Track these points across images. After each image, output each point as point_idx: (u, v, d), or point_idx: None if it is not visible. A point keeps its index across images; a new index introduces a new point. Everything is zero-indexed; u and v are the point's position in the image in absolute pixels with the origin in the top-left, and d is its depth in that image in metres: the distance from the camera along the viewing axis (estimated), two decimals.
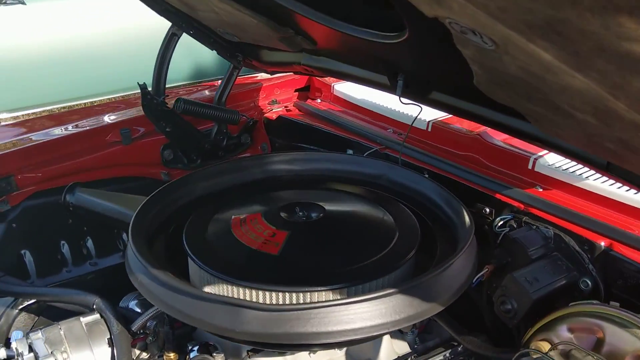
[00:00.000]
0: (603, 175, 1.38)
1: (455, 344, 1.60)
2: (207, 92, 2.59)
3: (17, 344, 1.51)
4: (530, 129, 1.39)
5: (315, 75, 2.17)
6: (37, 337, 1.51)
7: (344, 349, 1.63)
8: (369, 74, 1.78)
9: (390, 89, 1.71)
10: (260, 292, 1.31)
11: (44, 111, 3.10)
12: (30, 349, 1.49)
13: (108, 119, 2.35)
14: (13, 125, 2.55)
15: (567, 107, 0.98)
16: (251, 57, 2.24)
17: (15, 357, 1.51)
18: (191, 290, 1.26)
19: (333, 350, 1.62)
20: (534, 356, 1.17)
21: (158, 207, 1.64)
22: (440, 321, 1.60)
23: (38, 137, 2.23)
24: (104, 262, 2.20)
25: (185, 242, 1.49)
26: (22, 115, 3.02)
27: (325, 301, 1.24)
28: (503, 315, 1.52)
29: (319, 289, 1.31)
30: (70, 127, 2.30)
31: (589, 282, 1.49)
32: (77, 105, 3.19)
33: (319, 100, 2.62)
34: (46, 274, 2.10)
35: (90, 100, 3.39)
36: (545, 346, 1.30)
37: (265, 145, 2.60)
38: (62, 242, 2.16)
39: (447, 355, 1.55)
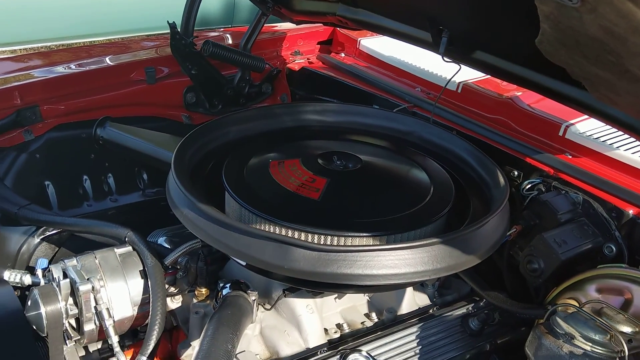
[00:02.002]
0: None
1: (477, 299, 1.65)
2: (231, 39, 2.56)
3: (53, 270, 1.53)
4: (578, 94, 1.42)
5: (349, 27, 2.16)
6: (72, 263, 1.53)
7: (367, 297, 1.68)
8: (411, 29, 1.78)
9: (432, 46, 1.72)
10: (303, 234, 1.33)
11: (64, 45, 3.05)
12: (65, 275, 1.51)
13: (133, 56, 2.33)
14: (34, 56, 2.50)
15: (638, 71, 1.01)
16: (282, 4, 2.22)
17: (48, 282, 1.53)
18: (243, 227, 1.28)
19: (358, 297, 1.66)
20: (569, 311, 1.22)
21: (195, 147, 1.65)
22: (464, 277, 1.65)
23: (62, 70, 2.22)
24: (124, 199, 2.21)
25: (225, 182, 1.51)
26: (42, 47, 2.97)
27: (372, 245, 1.28)
28: (528, 275, 1.57)
29: (360, 234, 1.35)
30: (94, 62, 2.28)
31: (614, 248, 1.54)
32: (99, 41, 3.15)
33: (342, 55, 2.61)
34: (67, 206, 2.11)
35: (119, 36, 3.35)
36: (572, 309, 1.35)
37: (285, 95, 2.60)
38: (84, 176, 2.16)
39: (470, 308, 1.60)
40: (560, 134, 1.79)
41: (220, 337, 1.29)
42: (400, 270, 1.25)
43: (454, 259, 1.31)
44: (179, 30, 2.19)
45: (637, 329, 1.22)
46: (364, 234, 1.35)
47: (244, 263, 1.40)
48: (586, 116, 1.80)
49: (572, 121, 1.80)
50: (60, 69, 2.20)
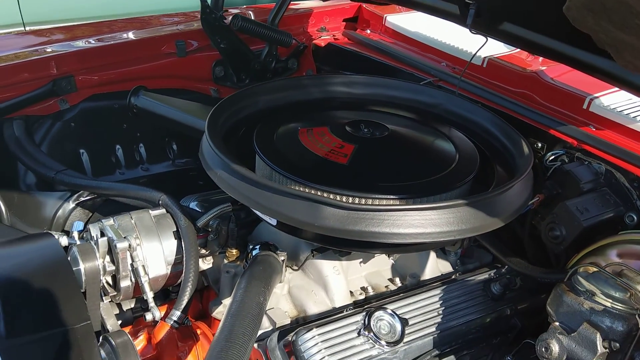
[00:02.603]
0: None
1: (499, 266, 1.69)
2: (259, 16, 2.61)
3: (91, 228, 1.60)
4: (604, 64, 1.45)
5: (375, 2, 2.20)
6: (110, 223, 1.59)
7: (391, 262, 1.73)
8: (438, 2, 1.81)
9: (459, 18, 1.75)
10: (332, 195, 1.38)
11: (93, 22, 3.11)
12: (102, 234, 1.58)
13: (159, 31, 2.38)
14: (61, 30, 2.56)
15: None
16: None
17: (88, 241, 1.60)
18: (276, 186, 1.33)
19: (383, 262, 1.71)
20: (591, 271, 1.26)
21: (227, 114, 1.70)
22: (486, 243, 1.69)
23: (94, 42, 2.28)
24: (155, 168, 2.28)
25: (256, 146, 1.57)
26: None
27: (400, 204, 1.33)
28: (550, 242, 1.61)
29: (387, 197, 1.39)
30: (125, 36, 2.34)
31: (635, 217, 1.57)
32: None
33: (368, 31, 2.64)
34: (101, 174, 2.19)
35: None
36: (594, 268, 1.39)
37: (310, 71, 2.64)
38: (117, 145, 2.23)
39: (492, 274, 1.64)
40: (585, 107, 1.81)
41: (252, 289, 1.35)
42: (426, 230, 1.30)
43: (478, 221, 1.35)
44: (209, 4, 2.25)
45: None
46: (391, 197, 1.40)
47: (274, 223, 1.45)
48: (610, 90, 1.83)
49: (596, 94, 1.82)
50: (93, 42, 2.27)
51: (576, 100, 1.83)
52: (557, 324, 1.21)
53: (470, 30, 1.72)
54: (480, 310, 1.54)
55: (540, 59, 2.08)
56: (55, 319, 1.13)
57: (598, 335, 1.16)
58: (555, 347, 1.19)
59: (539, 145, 1.79)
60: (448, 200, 1.38)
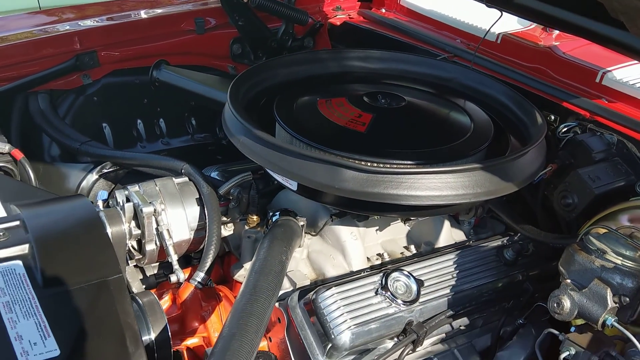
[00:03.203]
0: None
1: (512, 234, 1.73)
2: None
3: (117, 195, 1.65)
4: (617, 34, 1.48)
5: None
6: (135, 189, 1.65)
7: (407, 230, 1.78)
8: None
9: None
10: (351, 161, 1.43)
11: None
12: (128, 200, 1.63)
13: (183, 8, 2.44)
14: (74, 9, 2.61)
15: None
16: None
17: (114, 205, 1.66)
18: (298, 149, 1.38)
19: (398, 230, 1.76)
20: (602, 231, 1.30)
21: (247, 85, 1.75)
22: (499, 211, 1.74)
23: (115, 19, 2.33)
24: (175, 142, 2.34)
25: (277, 115, 1.62)
26: None
27: (416, 168, 1.37)
28: (562, 210, 1.65)
29: (405, 162, 1.44)
30: (148, 12, 2.40)
31: None
32: None
33: (383, 10, 2.68)
34: (123, 147, 2.25)
35: None
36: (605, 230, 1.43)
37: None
38: (138, 120, 2.29)
39: (505, 241, 1.68)
40: (597, 80, 1.85)
41: (275, 249, 1.40)
42: (442, 193, 1.35)
43: (493, 185, 1.40)
44: None
45: None
46: (408, 162, 1.44)
47: (294, 188, 1.51)
48: (623, 63, 1.86)
49: (609, 68, 1.85)
50: (115, 19, 2.32)
51: (589, 73, 1.87)
52: (568, 281, 1.26)
53: (486, 4, 1.76)
54: (493, 274, 1.59)
55: (554, 35, 2.11)
56: (89, 271, 1.18)
57: (608, 291, 1.20)
58: (566, 303, 1.24)
59: (552, 117, 1.83)
60: (464, 164, 1.42)
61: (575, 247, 1.30)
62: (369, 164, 1.41)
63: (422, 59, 2.01)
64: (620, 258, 1.23)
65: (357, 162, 1.42)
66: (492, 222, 1.89)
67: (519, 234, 1.70)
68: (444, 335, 1.55)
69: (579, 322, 1.33)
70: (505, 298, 1.61)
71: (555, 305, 1.25)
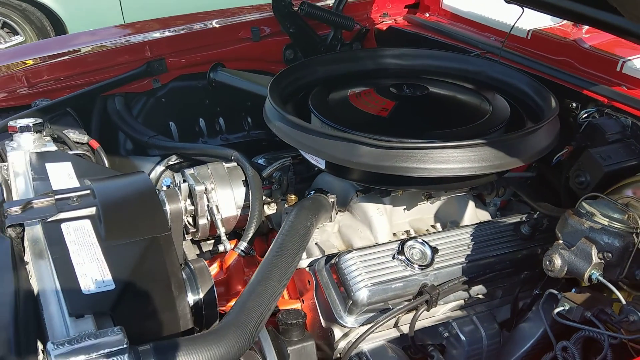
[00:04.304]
0: None
1: (531, 212, 1.85)
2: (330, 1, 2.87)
3: (175, 177, 1.92)
4: (621, 22, 1.59)
5: None
6: (190, 172, 1.90)
7: (434, 210, 1.92)
8: None
9: None
10: (370, 140, 1.61)
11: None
12: (184, 181, 1.89)
13: (240, 18, 2.71)
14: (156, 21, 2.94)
15: None
16: None
17: (174, 186, 1.92)
18: (322, 130, 1.59)
19: (425, 210, 1.92)
20: (595, 200, 1.42)
21: (288, 80, 1.98)
22: (518, 190, 1.86)
23: (182, 30, 2.63)
24: (232, 138, 2.60)
25: (310, 104, 1.83)
26: None
27: (424, 143, 1.54)
28: (576, 187, 1.76)
29: (416, 141, 1.61)
30: (208, 24, 2.68)
31: None
32: None
33: (427, 15, 2.85)
34: (186, 141, 2.52)
35: None
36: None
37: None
38: (200, 118, 2.57)
39: (524, 218, 1.80)
40: (618, 69, 1.94)
41: (301, 215, 1.60)
42: (448, 166, 1.51)
43: (498, 160, 1.54)
44: None
45: None
46: (421, 141, 1.61)
47: (322, 166, 1.70)
48: None
49: (629, 57, 1.95)
50: (180, 30, 2.62)
51: (610, 63, 1.97)
52: (560, 241, 1.38)
53: (505, 1, 1.90)
54: (510, 246, 1.71)
55: (584, 29, 2.21)
56: (142, 229, 1.42)
57: (593, 248, 1.32)
58: (557, 260, 1.36)
59: (574, 105, 1.94)
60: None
61: (569, 212, 1.42)
62: (381, 142, 1.59)
63: (451, 54, 2.17)
64: (607, 220, 1.35)
65: (377, 141, 1.60)
66: (518, 205, 2.00)
67: (537, 212, 1.81)
68: (462, 302, 1.69)
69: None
70: (523, 270, 1.73)
71: (547, 262, 1.38)
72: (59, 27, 5.43)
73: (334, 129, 1.68)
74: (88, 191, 1.53)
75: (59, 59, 2.41)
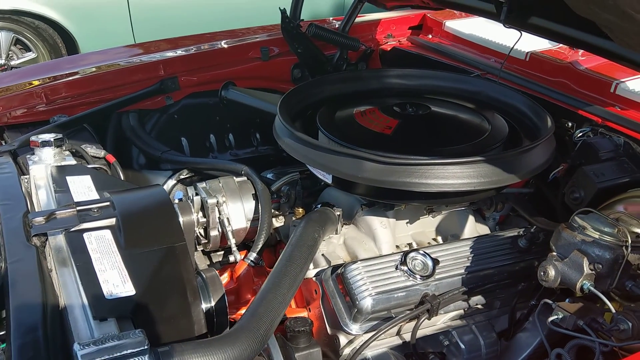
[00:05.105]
0: None
1: (528, 226, 1.93)
2: (337, 25, 2.98)
3: (187, 190, 2.01)
4: (611, 46, 1.68)
5: (431, 7, 2.51)
6: (202, 185, 1.99)
7: (435, 224, 2.01)
8: (479, 2, 2.11)
9: (495, 15, 2.04)
10: (374, 156, 1.70)
11: None
12: (197, 194, 1.98)
13: (250, 38, 2.82)
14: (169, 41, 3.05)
15: (629, 10, 1.29)
16: None
17: (186, 199, 2.01)
18: (329, 146, 1.68)
19: (428, 224, 2.00)
20: (587, 215, 1.50)
21: (297, 98, 2.07)
22: (516, 205, 1.94)
23: (194, 49, 2.74)
24: (241, 153, 2.69)
25: (318, 122, 1.92)
26: None
27: (426, 159, 1.63)
28: (571, 202, 1.84)
29: (419, 158, 1.70)
30: (218, 43, 2.79)
31: None
32: None
33: (430, 36, 2.95)
34: (197, 156, 2.61)
35: None
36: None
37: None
38: (211, 134, 2.66)
39: (521, 232, 1.88)
40: (612, 90, 2.04)
41: (309, 227, 1.69)
42: (449, 181, 1.60)
43: (496, 176, 1.63)
44: (288, 15, 2.65)
45: None
46: (422, 158, 1.70)
47: (329, 180, 1.79)
48: (636, 75, 2.04)
49: (622, 79, 2.04)
50: (193, 49, 2.73)
51: (604, 85, 2.06)
52: (554, 253, 1.47)
53: (504, 25, 2.00)
54: (507, 259, 1.78)
55: (580, 52, 2.31)
56: (160, 239, 1.51)
57: (585, 260, 1.40)
58: (551, 271, 1.44)
59: (570, 124, 2.03)
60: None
61: (562, 226, 1.50)
62: (385, 158, 1.68)
63: (453, 75, 2.27)
64: (598, 233, 1.43)
65: (380, 157, 1.69)
66: (516, 220, 2.09)
67: (534, 226, 1.89)
68: (462, 312, 1.76)
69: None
70: (520, 282, 1.81)
71: (542, 273, 1.46)
72: (71, 44, 5.55)
73: (341, 145, 1.77)
74: (108, 203, 1.62)
75: (76, 77, 2.51)
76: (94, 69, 2.58)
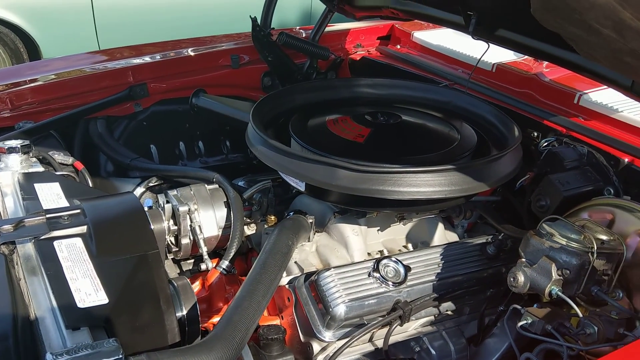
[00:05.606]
0: (630, 97, 1.71)
1: (496, 233, 1.97)
2: (304, 34, 3.00)
3: (158, 197, 1.99)
4: (576, 59, 1.74)
5: (400, 18, 2.55)
6: (174, 193, 1.98)
7: (405, 232, 2.04)
8: (448, 14, 2.15)
9: (464, 27, 2.08)
10: (347, 164, 1.72)
11: None
12: (168, 202, 1.96)
13: (221, 46, 2.81)
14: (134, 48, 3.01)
15: (595, 24, 1.34)
16: (344, 1, 2.64)
17: (156, 207, 1.99)
18: (302, 154, 1.69)
19: (398, 231, 2.03)
20: (554, 222, 1.54)
21: (269, 106, 2.08)
22: (484, 213, 1.98)
23: (162, 57, 2.72)
24: (211, 161, 2.68)
25: (291, 130, 1.93)
26: None
27: (399, 168, 1.65)
28: (537, 211, 1.89)
29: (392, 166, 1.72)
30: (188, 50, 2.78)
31: (612, 190, 1.83)
32: None
33: (398, 47, 3.00)
34: (167, 164, 2.59)
35: None
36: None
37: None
38: (180, 141, 2.65)
39: (489, 239, 1.92)
40: (575, 101, 2.10)
41: (283, 235, 1.69)
42: (421, 189, 1.62)
43: (466, 184, 1.66)
44: (259, 23, 2.65)
45: (611, 237, 1.53)
46: (395, 166, 1.72)
47: (302, 188, 1.80)
48: (598, 87, 2.11)
49: (585, 91, 2.11)
50: (162, 56, 2.71)
51: (568, 96, 2.13)
52: (523, 259, 1.50)
53: (473, 37, 2.05)
54: (476, 266, 1.82)
55: (545, 64, 2.38)
56: (132, 246, 1.49)
57: (553, 266, 1.44)
58: (520, 277, 1.48)
59: (535, 134, 2.08)
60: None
61: (531, 233, 1.54)
62: (359, 166, 1.70)
63: (422, 85, 2.31)
64: (565, 240, 1.47)
65: (354, 165, 1.71)
66: (484, 227, 2.13)
67: (502, 234, 1.93)
68: (433, 318, 1.79)
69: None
70: (489, 288, 1.85)
71: (511, 279, 1.50)
72: (33, 49, 5.45)
73: (314, 153, 1.78)
74: (78, 210, 1.60)
75: (42, 83, 2.47)
76: (53, 76, 2.53)
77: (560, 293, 1.44)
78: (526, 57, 2.44)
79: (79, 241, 1.51)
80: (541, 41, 1.85)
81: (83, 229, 1.54)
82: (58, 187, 1.80)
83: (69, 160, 2.14)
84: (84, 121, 2.45)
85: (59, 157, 2.13)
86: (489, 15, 1.96)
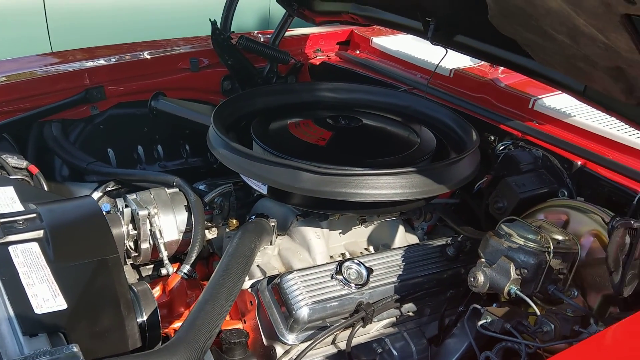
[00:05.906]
0: (582, 101, 1.77)
1: (456, 235, 2.01)
2: (262, 39, 3.00)
3: (117, 202, 1.95)
4: (531, 64, 1.79)
5: (359, 24, 2.58)
6: (133, 197, 1.95)
7: (367, 234, 2.05)
8: (407, 20, 2.19)
9: (422, 33, 2.12)
10: (310, 167, 1.72)
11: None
12: (127, 206, 1.93)
13: (180, 49, 2.79)
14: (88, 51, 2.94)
15: (550, 30, 1.39)
16: (305, 6, 2.65)
17: (115, 211, 1.95)
18: (265, 157, 1.69)
19: (359, 234, 2.04)
20: (512, 223, 1.58)
21: (230, 109, 2.07)
22: (444, 216, 2.02)
23: (119, 60, 2.67)
24: (170, 165, 2.64)
25: (252, 133, 1.92)
26: None
27: (362, 170, 1.67)
28: (495, 212, 1.94)
29: (354, 169, 1.74)
30: (149, 53, 2.74)
31: (566, 192, 1.89)
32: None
33: (357, 52, 3.02)
34: (125, 168, 2.54)
35: None
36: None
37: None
38: (138, 145, 2.60)
39: (449, 241, 1.95)
40: (530, 106, 2.16)
41: (246, 238, 1.69)
42: (382, 191, 1.64)
43: (427, 186, 1.69)
44: (218, 26, 2.64)
45: (566, 237, 1.58)
46: (357, 169, 1.74)
47: (264, 191, 1.80)
48: (551, 92, 2.18)
49: (539, 96, 2.17)
50: (119, 59, 2.67)
51: (523, 101, 2.19)
52: (482, 260, 1.54)
53: (431, 42, 2.08)
54: (436, 267, 1.85)
55: (500, 70, 2.44)
56: (92, 250, 1.46)
57: (512, 265, 1.48)
58: (480, 277, 1.51)
59: (492, 138, 2.13)
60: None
61: (490, 234, 1.58)
62: (324, 170, 1.71)
63: (382, 89, 2.34)
64: (523, 240, 1.51)
65: (316, 167, 1.72)
66: (443, 229, 2.17)
67: (461, 235, 1.97)
68: (394, 319, 1.81)
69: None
70: (449, 289, 1.88)
71: (471, 279, 1.53)
72: None
73: (276, 156, 1.78)
74: (34, 214, 1.56)
75: None
76: (4, 79, 2.46)
77: (518, 292, 1.47)
78: (483, 62, 2.50)
79: (35, 246, 1.47)
80: (498, 47, 1.90)
81: (39, 233, 1.50)
82: (12, 191, 1.75)
83: (23, 164, 2.08)
84: (38, 124, 2.38)
85: (13, 160, 2.07)
86: (448, 22, 2.00)
